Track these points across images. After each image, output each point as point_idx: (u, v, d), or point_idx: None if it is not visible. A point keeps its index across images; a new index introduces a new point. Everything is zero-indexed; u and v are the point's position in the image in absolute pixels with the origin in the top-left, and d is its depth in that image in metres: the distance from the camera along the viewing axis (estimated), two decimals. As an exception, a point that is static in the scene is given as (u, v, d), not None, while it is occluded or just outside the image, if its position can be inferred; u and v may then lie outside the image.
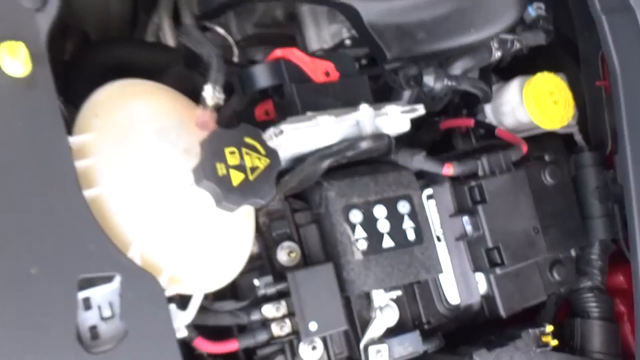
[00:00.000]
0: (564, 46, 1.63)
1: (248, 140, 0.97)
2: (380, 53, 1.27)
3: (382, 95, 1.35)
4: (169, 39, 1.72)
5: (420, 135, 1.48)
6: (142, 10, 1.77)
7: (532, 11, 1.48)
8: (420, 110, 1.21)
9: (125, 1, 1.77)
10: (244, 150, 0.96)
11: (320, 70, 1.16)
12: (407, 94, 1.34)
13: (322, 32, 1.53)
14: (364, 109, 1.12)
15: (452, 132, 1.52)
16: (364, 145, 1.11)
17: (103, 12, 1.67)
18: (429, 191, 1.32)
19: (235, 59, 1.61)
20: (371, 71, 1.58)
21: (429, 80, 1.24)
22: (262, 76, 1.14)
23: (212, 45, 1.09)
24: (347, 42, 1.46)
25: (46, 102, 0.97)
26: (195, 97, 1.45)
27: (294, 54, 1.15)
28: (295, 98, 1.12)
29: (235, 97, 1.17)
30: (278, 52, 1.15)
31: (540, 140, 1.54)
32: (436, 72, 1.25)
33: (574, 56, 1.64)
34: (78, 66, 1.42)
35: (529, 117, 1.48)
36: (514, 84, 1.54)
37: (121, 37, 1.74)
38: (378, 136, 1.13)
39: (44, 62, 0.98)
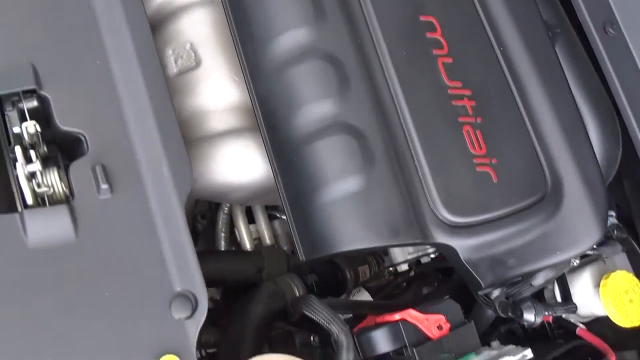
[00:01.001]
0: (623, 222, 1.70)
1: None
2: (476, 283, 1.33)
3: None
4: (245, 239, 1.77)
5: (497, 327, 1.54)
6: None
7: (606, 220, 1.55)
8: (529, 354, 1.27)
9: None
10: None
11: (434, 325, 1.21)
12: (491, 312, 1.42)
13: (405, 244, 1.59)
14: (490, 377, 1.18)
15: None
16: (493, 413, 1.16)
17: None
18: (532, 415, 1.37)
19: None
20: (444, 264, 1.65)
21: (529, 316, 1.30)
22: (382, 342, 1.19)
23: (342, 322, 1.13)
24: (432, 255, 1.52)
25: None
26: (285, 314, 1.49)
27: (410, 314, 1.20)
28: (417, 362, 1.17)
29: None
30: (397, 316, 1.20)
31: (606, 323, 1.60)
32: (536, 308, 1.31)
33: (632, 231, 1.71)
34: None
35: (606, 314, 1.55)
36: (586, 275, 1.60)
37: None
38: (503, 402, 1.18)
39: None
